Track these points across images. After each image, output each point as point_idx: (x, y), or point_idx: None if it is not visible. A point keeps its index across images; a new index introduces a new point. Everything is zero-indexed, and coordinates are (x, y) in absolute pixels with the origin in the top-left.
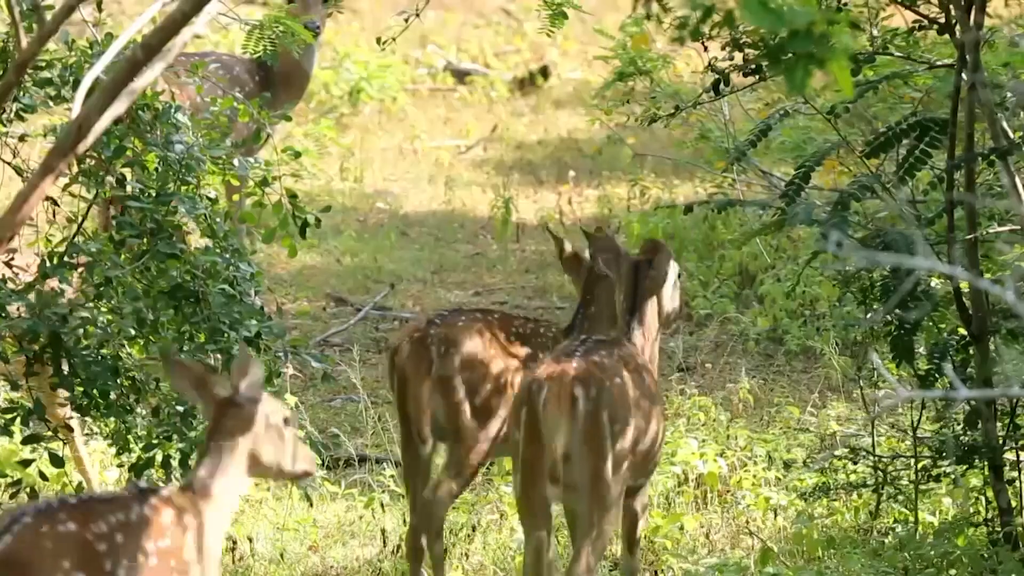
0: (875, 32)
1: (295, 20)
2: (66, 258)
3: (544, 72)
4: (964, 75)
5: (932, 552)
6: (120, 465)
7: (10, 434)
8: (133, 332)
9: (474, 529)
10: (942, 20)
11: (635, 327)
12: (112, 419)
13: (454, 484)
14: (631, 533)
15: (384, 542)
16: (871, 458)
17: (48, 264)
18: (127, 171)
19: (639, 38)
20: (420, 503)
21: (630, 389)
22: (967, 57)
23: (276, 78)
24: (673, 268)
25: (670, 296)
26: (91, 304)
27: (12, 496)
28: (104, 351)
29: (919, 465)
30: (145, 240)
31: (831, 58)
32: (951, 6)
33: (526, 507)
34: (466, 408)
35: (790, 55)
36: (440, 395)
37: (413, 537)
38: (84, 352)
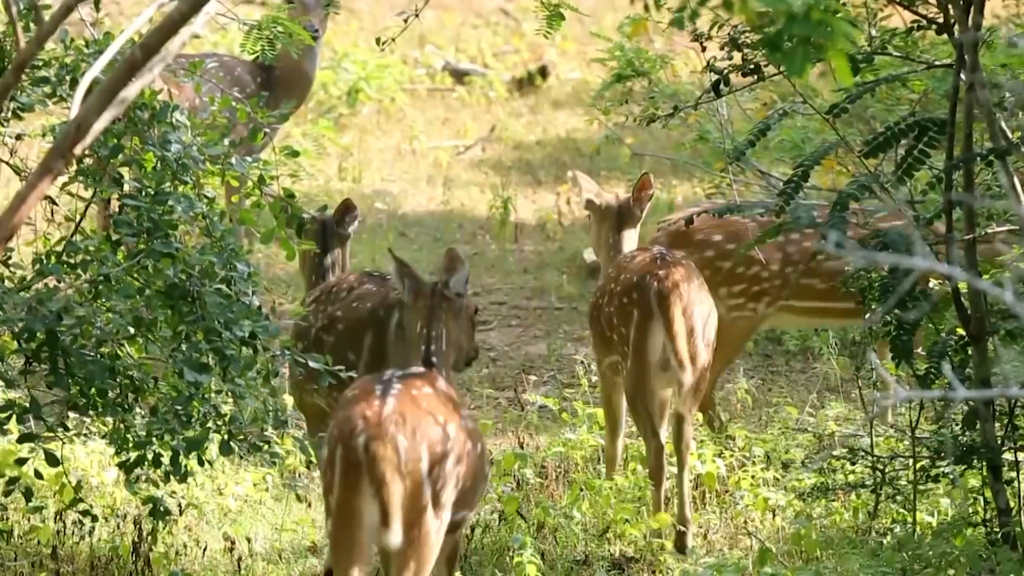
0: (874, 32)
1: (294, 21)
2: (64, 257)
3: (543, 72)
4: (963, 75)
5: (930, 552)
6: (119, 464)
7: (6, 432)
8: (132, 331)
9: (473, 529)
10: (940, 20)
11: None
12: (110, 418)
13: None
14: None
15: None
16: (869, 458)
17: (45, 263)
18: (124, 170)
19: (637, 25)
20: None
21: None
22: (965, 57)
23: (277, 80)
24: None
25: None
26: (88, 303)
27: (6, 494)
28: (103, 349)
29: (917, 465)
30: (141, 239)
31: (829, 43)
32: (949, 6)
33: (642, 403)
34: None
35: (789, 41)
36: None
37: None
38: (82, 351)
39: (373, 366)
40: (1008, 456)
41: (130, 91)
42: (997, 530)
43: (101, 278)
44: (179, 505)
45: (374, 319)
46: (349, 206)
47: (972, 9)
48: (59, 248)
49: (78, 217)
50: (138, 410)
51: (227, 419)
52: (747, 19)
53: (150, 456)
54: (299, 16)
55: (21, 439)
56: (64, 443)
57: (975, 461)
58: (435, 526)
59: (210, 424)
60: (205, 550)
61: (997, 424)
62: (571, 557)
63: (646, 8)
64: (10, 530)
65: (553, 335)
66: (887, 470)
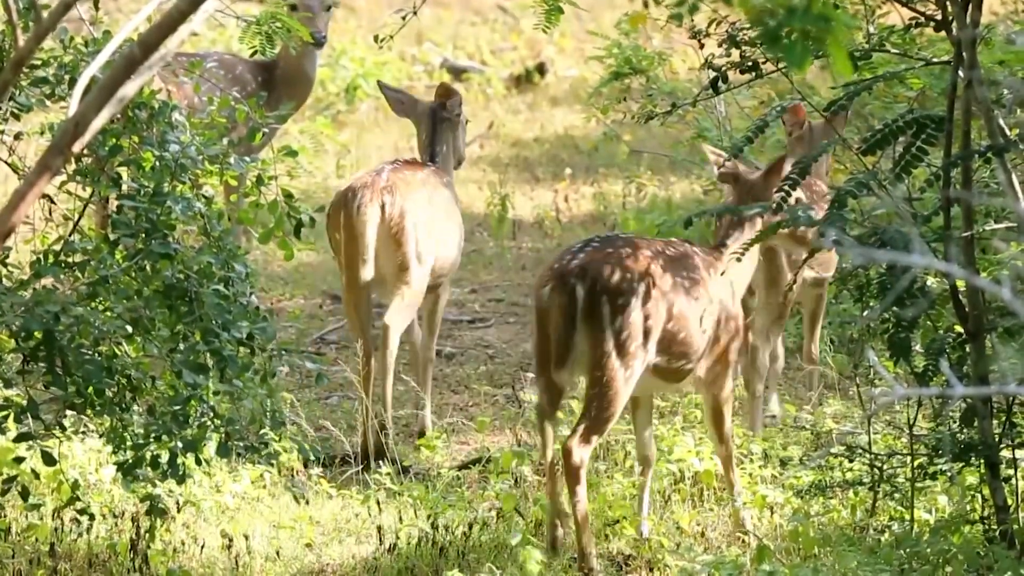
0: (872, 29)
1: (292, 19)
2: (61, 256)
3: (541, 69)
4: (961, 72)
5: (928, 550)
6: (117, 464)
7: (4, 431)
8: (129, 331)
9: (471, 527)
10: (939, 17)
11: None
12: (107, 417)
13: None
14: None
15: (380, 540)
16: (867, 456)
17: (42, 262)
18: (123, 170)
19: (636, 19)
20: None
21: None
22: (964, 54)
23: (278, 80)
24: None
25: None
26: (86, 303)
27: (4, 493)
28: (100, 349)
29: (915, 463)
30: (139, 239)
31: (829, 36)
32: (948, 3)
33: None
34: None
35: (789, 34)
36: None
37: None
38: (79, 350)
39: None
40: (1006, 453)
41: (129, 89)
42: (995, 527)
43: (99, 278)
44: (177, 503)
45: None
46: (448, 91)
47: (970, 6)
48: (57, 248)
49: (76, 217)
50: (136, 409)
51: (225, 420)
52: (746, 14)
53: (148, 457)
54: (302, 19)
55: (18, 438)
56: (61, 441)
57: (973, 458)
58: (621, 372)
59: (208, 425)
60: (203, 547)
61: (995, 421)
62: (569, 555)
63: (645, 5)
64: (8, 528)
65: None
66: (885, 467)
